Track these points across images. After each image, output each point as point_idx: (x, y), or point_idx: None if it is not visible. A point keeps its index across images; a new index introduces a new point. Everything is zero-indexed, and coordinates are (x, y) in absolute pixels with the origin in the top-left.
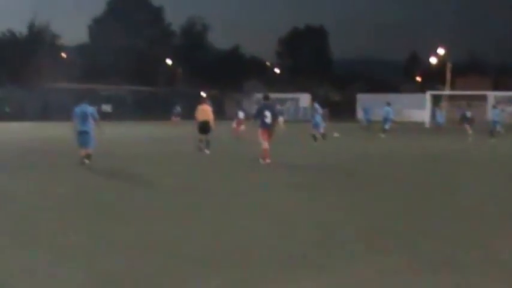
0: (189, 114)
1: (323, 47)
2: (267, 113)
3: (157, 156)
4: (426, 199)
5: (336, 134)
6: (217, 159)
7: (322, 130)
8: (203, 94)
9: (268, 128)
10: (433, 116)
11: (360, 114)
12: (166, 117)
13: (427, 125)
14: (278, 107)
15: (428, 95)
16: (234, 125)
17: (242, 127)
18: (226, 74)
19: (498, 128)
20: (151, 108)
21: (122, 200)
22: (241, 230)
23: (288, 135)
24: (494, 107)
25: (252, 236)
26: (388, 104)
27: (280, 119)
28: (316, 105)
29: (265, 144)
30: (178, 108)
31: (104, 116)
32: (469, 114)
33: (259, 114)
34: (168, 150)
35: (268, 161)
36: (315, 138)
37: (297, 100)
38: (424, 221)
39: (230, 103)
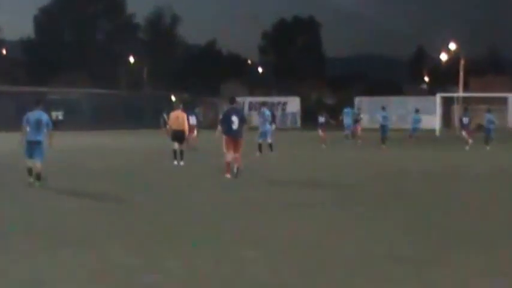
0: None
1: (314, 42)
2: (234, 119)
3: (123, 170)
4: (436, 221)
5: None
6: (193, 172)
7: (269, 140)
8: (173, 98)
9: (235, 137)
10: (461, 122)
11: (345, 120)
12: (131, 125)
13: (438, 133)
14: (266, 111)
15: (438, 97)
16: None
17: (194, 134)
18: (201, 74)
19: (492, 134)
20: (112, 115)
21: (82, 223)
22: (230, 262)
23: (275, 145)
24: (489, 110)
25: (243, 267)
26: (383, 108)
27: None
28: (265, 111)
29: (229, 157)
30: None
31: (55, 125)
32: (466, 120)
33: (225, 120)
34: (136, 163)
35: (229, 175)
36: (260, 148)
37: (284, 104)
38: (434, 246)
39: (205, 109)
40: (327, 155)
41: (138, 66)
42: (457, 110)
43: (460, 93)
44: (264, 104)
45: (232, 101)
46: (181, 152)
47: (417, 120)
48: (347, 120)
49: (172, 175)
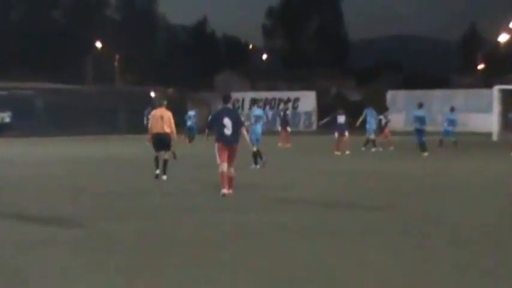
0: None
1: (334, 22)
2: (227, 122)
3: (88, 188)
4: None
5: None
6: (179, 187)
7: (255, 148)
8: (153, 94)
9: (229, 144)
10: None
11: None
12: (100, 130)
13: (495, 137)
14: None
15: (495, 90)
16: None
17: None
18: (189, 63)
19: (451, 137)
20: (74, 117)
21: (33, 261)
22: None
23: (285, 153)
24: (451, 109)
25: None
26: (421, 105)
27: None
28: (254, 110)
29: (224, 166)
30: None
31: (0, 129)
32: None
33: (215, 123)
34: (106, 178)
35: (226, 191)
36: (256, 158)
37: (295, 101)
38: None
39: (195, 107)
40: (346, 166)
41: (108, 54)
42: None
43: None
44: (255, 101)
45: (226, 99)
46: (165, 163)
47: (452, 122)
48: (370, 122)
49: (151, 192)
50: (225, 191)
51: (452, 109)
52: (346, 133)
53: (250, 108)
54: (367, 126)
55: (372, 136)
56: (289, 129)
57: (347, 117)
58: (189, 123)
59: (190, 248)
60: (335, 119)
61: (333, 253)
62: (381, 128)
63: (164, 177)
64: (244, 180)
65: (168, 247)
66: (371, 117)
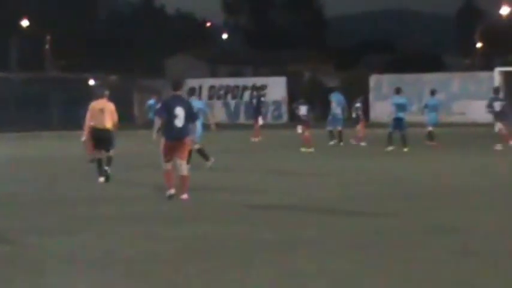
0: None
1: None
2: (179, 111)
3: (17, 196)
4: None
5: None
6: (126, 193)
7: (197, 146)
8: (92, 82)
9: (179, 138)
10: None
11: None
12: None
13: (497, 128)
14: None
15: (497, 73)
16: None
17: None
18: (135, 45)
19: (430, 127)
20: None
21: None
22: None
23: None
24: (432, 93)
25: None
26: (399, 90)
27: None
28: (196, 102)
29: (168, 165)
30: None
31: None
32: (498, 105)
33: (165, 113)
34: (38, 184)
35: (172, 192)
36: (204, 155)
37: (262, 89)
38: None
39: (143, 97)
40: (318, 165)
41: (37, 35)
42: None
43: None
44: (191, 92)
45: (176, 86)
46: (109, 160)
47: (434, 107)
48: (336, 111)
49: (90, 200)
50: (172, 191)
51: (432, 92)
52: (303, 127)
53: (212, 97)
54: (329, 117)
55: (339, 127)
56: (260, 121)
57: (310, 108)
58: (150, 114)
59: (136, 268)
60: (297, 111)
61: (312, 269)
62: (356, 119)
63: (101, 179)
64: (204, 182)
65: (109, 266)
66: (337, 105)
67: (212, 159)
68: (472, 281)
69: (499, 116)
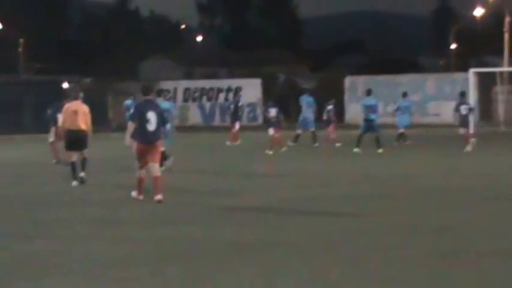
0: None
1: None
2: (151, 115)
3: None
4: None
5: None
6: (103, 197)
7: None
8: (66, 85)
9: (151, 142)
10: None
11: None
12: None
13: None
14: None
15: (471, 74)
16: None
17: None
18: (109, 48)
19: (402, 129)
20: None
21: None
22: None
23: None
24: (404, 95)
25: None
26: (369, 92)
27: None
28: (164, 103)
29: (142, 172)
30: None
31: None
32: (464, 109)
33: (137, 117)
34: (13, 188)
35: (136, 195)
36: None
37: (237, 91)
38: None
39: (117, 100)
40: (293, 166)
41: (9, 38)
42: (501, 92)
43: (505, 68)
44: (159, 94)
45: (146, 91)
46: (83, 163)
47: (406, 108)
48: (307, 114)
49: (66, 203)
50: (140, 198)
51: (404, 94)
52: (274, 129)
53: (187, 100)
54: (300, 118)
55: (312, 128)
56: (237, 125)
57: (279, 110)
58: (127, 114)
59: (113, 271)
60: (266, 113)
61: (288, 272)
62: (328, 121)
63: (74, 182)
64: (180, 185)
65: (86, 270)
66: (308, 107)
67: (165, 165)
68: (448, 281)
69: (463, 120)
